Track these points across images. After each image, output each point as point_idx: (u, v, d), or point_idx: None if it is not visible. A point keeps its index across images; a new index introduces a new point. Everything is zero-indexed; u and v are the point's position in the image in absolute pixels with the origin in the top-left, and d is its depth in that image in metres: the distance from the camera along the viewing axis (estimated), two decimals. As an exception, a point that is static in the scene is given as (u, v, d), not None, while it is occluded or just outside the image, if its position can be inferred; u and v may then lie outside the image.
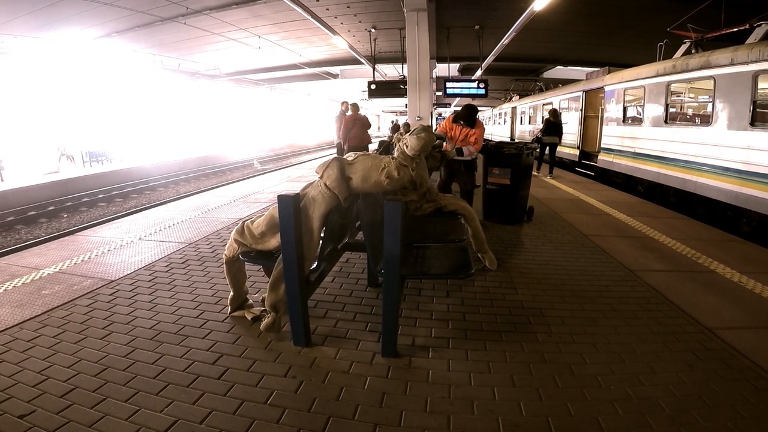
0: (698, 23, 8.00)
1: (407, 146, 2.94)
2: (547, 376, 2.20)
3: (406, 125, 12.25)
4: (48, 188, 11.72)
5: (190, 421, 1.87)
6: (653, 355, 2.39)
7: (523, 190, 5.43)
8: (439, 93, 18.82)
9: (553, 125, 10.05)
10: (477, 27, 13.31)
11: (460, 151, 4.87)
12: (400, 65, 15.68)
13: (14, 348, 2.46)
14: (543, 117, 15.97)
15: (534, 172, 8.74)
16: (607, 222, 5.53)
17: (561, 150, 13.71)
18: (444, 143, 5.10)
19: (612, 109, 10.10)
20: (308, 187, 2.58)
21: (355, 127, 8.44)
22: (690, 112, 7.92)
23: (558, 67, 19.51)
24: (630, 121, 9.37)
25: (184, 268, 3.80)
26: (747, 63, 5.91)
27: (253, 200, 7.06)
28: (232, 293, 2.89)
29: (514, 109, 21.86)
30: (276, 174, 11.67)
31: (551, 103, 14.98)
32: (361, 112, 8.83)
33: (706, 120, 6.92)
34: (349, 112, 8.69)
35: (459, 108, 5.68)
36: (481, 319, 2.84)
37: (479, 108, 5.98)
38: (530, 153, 5.41)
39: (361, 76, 20.39)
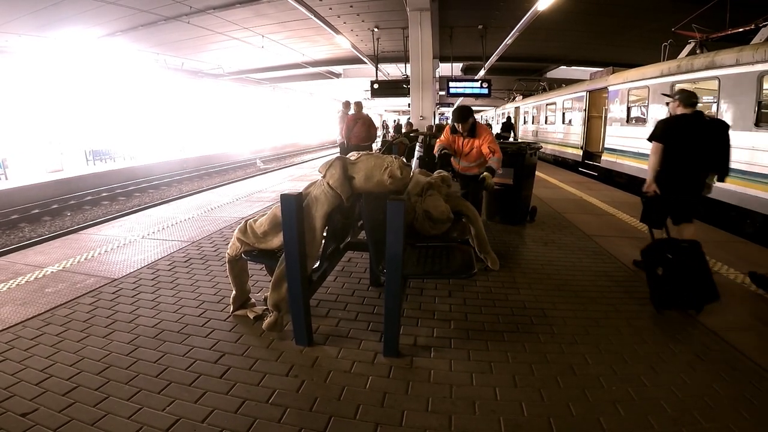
0: (703, 23, 7.97)
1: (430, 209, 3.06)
2: (549, 376, 2.20)
3: (409, 124, 12.25)
4: (51, 187, 11.77)
5: (192, 419, 1.87)
6: (656, 356, 2.38)
7: (526, 190, 5.42)
8: (443, 93, 18.82)
9: (507, 125, 17.07)
10: (480, 27, 13.28)
11: (492, 171, 4.04)
12: (403, 65, 15.66)
13: (17, 346, 2.47)
14: (546, 117, 16.09)
15: None
16: (610, 222, 5.51)
17: (564, 150, 13.82)
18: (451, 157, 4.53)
19: (616, 110, 10.07)
20: (311, 187, 2.58)
21: (357, 126, 8.41)
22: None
23: (562, 66, 19.45)
24: (634, 122, 9.34)
25: (186, 267, 3.81)
26: (752, 63, 5.88)
27: (255, 199, 7.07)
28: (234, 292, 2.89)
29: (517, 108, 21.83)
30: (278, 173, 11.69)
31: (554, 103, 14.97)
32: (364, 111, 8.80)
33: (710, 120, 6.88)
34: (351, 111, 8.66)
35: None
36: (483, 319, 2.84)
37: (475, 108, 5.70)
38: (534, 153, 5.39)
39: (364, 75, 20.38)
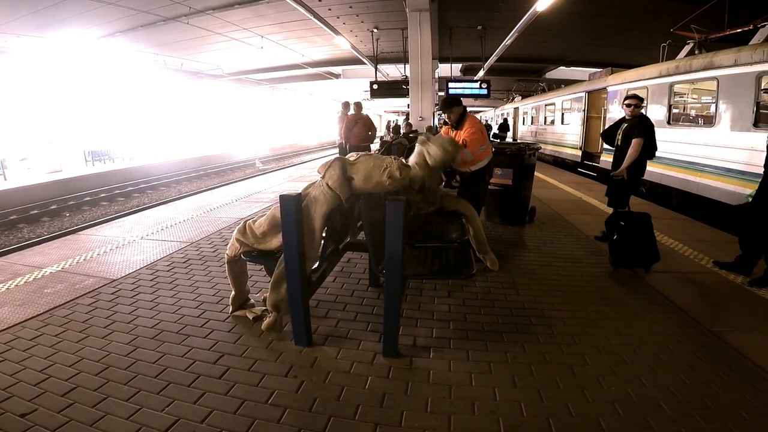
0: (702, 24, 7.97)
1: (429, 154, 2.95)
2: (548, 376, 2.20)
3: (409, 125, 12.23)
4: (50, 187, 11.75)
5: (191, 420, 1.87)
6: (654, 357, 2.38)
7: (525, 190, 5.42)
8: (442, 93, 18.85)
9: (504, 125, 19.94)
10: (479, 27, 13.32)
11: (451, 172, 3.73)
12: (403, 65, 15.69)
13: (16, 347, 2.47)
14: (545, 117, 16.11)
15: None
16: (609, 223, 5.50)
17: (563, 150, 13.83)
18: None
19: (615, 110, 10.08)
20: (310, 187, 2.58)
21: (356, 127, 8.41)
22: (693, 113, 7.89)
23: (561, 67, 19.51)
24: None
25: (185, 268, 3.80)
26: (750, 64, 5.89)
27: (254, 200, 7.07)
28: (233, 293, 2.89)
29: (516, 109, 21.87)
30: (278, 174, 11.69)
31: (553, 104, 15.00)
32: (364, 112, 8.79)
33: (709, 121, 6.90)
34: (351, 111, 8.66)
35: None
36: (482, 320, 2.84)
37: (474, 108, 5.68)
38: (533, 154, 5.40)
39: (363, 76, 20.42)
